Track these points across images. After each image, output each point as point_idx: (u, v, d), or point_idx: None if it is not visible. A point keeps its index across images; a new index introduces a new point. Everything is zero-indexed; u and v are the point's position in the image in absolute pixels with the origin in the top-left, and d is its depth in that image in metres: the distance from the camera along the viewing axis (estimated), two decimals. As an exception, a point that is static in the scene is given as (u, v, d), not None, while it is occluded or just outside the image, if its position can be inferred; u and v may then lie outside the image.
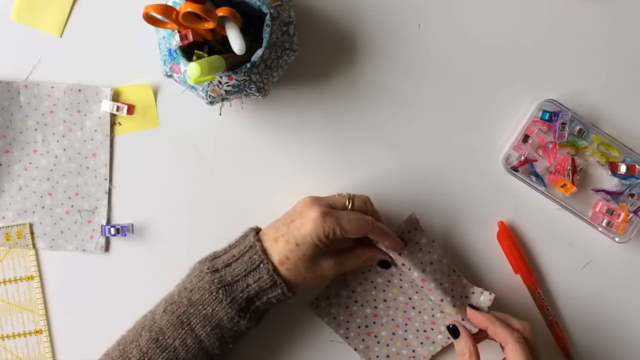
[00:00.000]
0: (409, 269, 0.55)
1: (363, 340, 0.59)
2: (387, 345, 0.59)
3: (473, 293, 0.57)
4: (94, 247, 0.60)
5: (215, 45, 0.54)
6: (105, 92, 0.59)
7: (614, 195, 0.59)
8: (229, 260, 0.52)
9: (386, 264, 0.57)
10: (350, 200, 0.54)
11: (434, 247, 0.57)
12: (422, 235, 0.57)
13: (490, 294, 0.56)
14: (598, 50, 0.60)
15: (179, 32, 0.49)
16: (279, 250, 0.51)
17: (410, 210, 0.59)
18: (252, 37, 0.54)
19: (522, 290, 0.60)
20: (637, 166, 0.58)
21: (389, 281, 0.59)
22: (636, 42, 0.60)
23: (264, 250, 0.52)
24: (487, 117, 0.60)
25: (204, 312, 0.51)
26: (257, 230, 0.55)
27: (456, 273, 0.57)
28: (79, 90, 0.60)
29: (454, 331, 0.56)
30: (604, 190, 0.59)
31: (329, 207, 0.52)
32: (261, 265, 0.51)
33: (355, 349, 0.59)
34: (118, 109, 0.60)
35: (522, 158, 0.59)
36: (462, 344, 0.55)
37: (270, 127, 0.60)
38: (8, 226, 0.60)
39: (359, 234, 0.52)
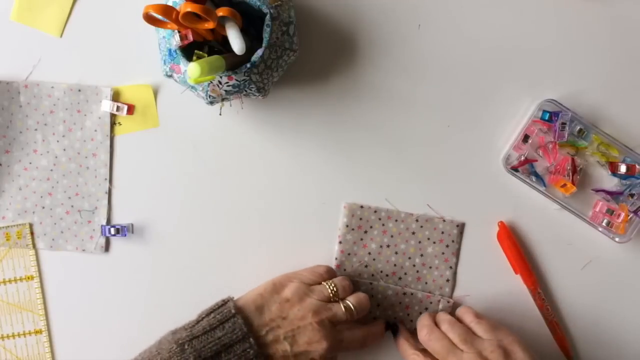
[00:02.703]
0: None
1: None
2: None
3: (431, 303, 0.59)
4: (94, 247, 0.60)
5: (215, 45, 0.54)
6: (105, 92, 0.59)
7: (614, 195, 0.59)
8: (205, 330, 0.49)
9: (395, 327, 0.59)
10: (333, 290, 0.54)
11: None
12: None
13: (448, 301, 0.59)
14: (598, 50, 0.60)
15: (179, 32, 0.49)
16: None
17: (410, 210, 0.59)
18: (252, 37, 0.54)
19: (522, 290, 0.60)
20: (637, 166, 0.58)
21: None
22: (636, 42, 0.60)
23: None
24: (487, 117, 0.60)
25: None
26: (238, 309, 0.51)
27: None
28: (79, 90, 0.60)
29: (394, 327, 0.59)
30: (604, 190, 0.59)
31: (326, 311, 0.52)
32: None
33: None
34: (118, 109, 0.60)
35: (522, 158, 0.59)
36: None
37: (270, 127, 0.60)
38: (8, 226, 0.60)
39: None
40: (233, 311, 0.50)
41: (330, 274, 0.57)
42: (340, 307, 0.53)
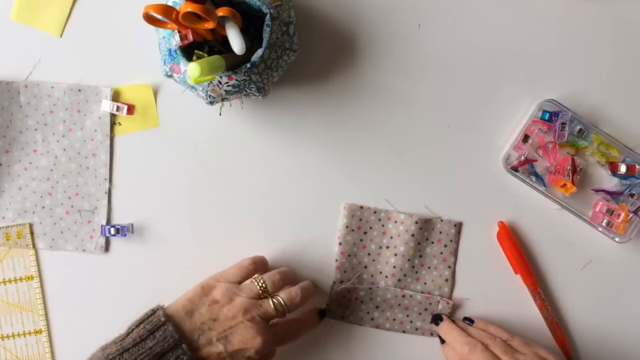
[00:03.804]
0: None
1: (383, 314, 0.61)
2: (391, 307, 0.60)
3: (430, 304, 0.59)
4: (94, 247, 0.60)
5: (215, 45, 0.54)
6: (105, 92, 0.59)
7: (614, 195, 0.59)
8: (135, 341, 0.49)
9: (323, 312, 0.60)
10: (262, 286, 0.54)
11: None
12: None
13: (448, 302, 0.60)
14: (598, 50, 0.60)
15: (179, 32, 0.49)
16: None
17: (410, 210, 0.59)
18: (252, 37, 0.54)
19: (522, 290, 0.60)
20: (637, 166, 0.58)
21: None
22: (636, 42, 0.60)
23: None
24: (487, 117, 0.60)
25: None
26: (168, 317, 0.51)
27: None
28: (79, 90, 0.60)
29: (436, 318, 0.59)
30: (604, 190, 0.59)
31: (257, 308, 0.52)
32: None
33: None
34: (118, 109, 0.60)
35: (522, 158, 0.59)
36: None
37: (270, 127, 0.60)
38: (8, 226, 0.60)
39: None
40: (163, 319, 0.49)
41: (257, 265, 0.56)
42: (271, 303, 0.53)
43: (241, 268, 0.55)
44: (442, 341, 0.59)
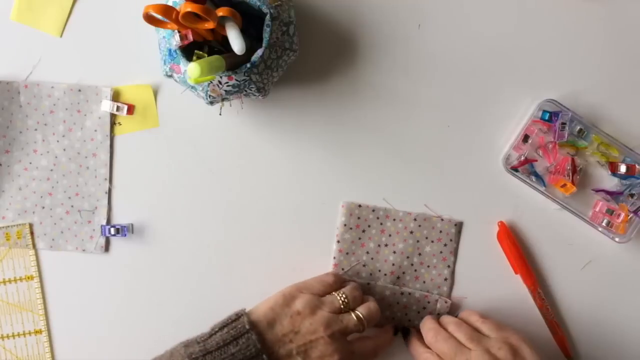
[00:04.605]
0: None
1: None
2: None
3: (429, 302, 0.60)
4: (94, 247, 0.60)
5: (215, 45, 0.54)
6: (105, 92, 0.59)
7: (614, 195, 0.59)
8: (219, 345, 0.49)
9: (405, 330, 0.60)
10: (344, 301, 0.53)
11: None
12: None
13: (446, 301, 0.60)
14: (598, 50, 0.60)
15: (179, 32, 0.49)
16: None
17: (409, 210, 0.59)
18: (252, 37, 0.54)
19: (522, 290, 0.60)
20: (637, 166, 0.58)
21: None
22: (636, 42, 0.60)
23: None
24: (487, 117, 0.60)
25: None
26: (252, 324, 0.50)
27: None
28: (79, 90, 0.60)
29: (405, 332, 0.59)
30: (604, 190, 0.59)
31: (337, 322, 0.51)
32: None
33: None
34: (118, 109, 0.60)
35: (522, 158, 0.59)
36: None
37: (270, 127, 0.60)
38: (8, 226, 0.60)
39: None
40: (247, 327, 0.49)
41: (338, 282, 0.56)
42: (352, 318, 0.52)
43: (323, 283, 0.55)
44: (406, 339, 0.59)
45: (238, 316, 0.50)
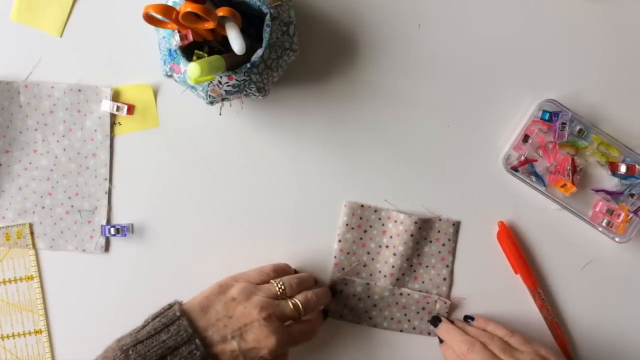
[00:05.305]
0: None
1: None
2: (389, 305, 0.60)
3: (428, 303, 0.60)
4: (94, 247, 0.60)
5: (215, 45, 0.54)
6: (105, 92, 0.59)
7: (614, 195, 0.59)
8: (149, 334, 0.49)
9: (325, 312, 0.60)
10: (281, 288, 0.54)
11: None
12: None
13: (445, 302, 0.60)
14: (598, 50, 0.60)
15: (179, 32, 0.49)
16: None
17: (410, 210, 0.59)
18: (252, 37, 0.54)
19: (522, 290, 0.60)
20: (637, 166, 0.58)
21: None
22: (636, 42, 0.60)
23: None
24: (487, 117, 0.60)
25: None
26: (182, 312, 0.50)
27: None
28: (79, 90, 0.60)
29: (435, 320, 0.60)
30: (604, 190, 0.59)
31: (272, 307, 0.51)
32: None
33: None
34: (118, 109, 0.60)
35: (522, 158, 0.59)
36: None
37: (270, 127, 0.60)
38: (8, 226, 0.60)
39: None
40: (178, 314, 0.49)
41: (278, 272, 0.57)
42: (288, 304, 0.53)
43: (262, 272, 0.55)
44: (441, 341, 0.59)
45: (170, 305, 0.51)
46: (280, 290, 0.53)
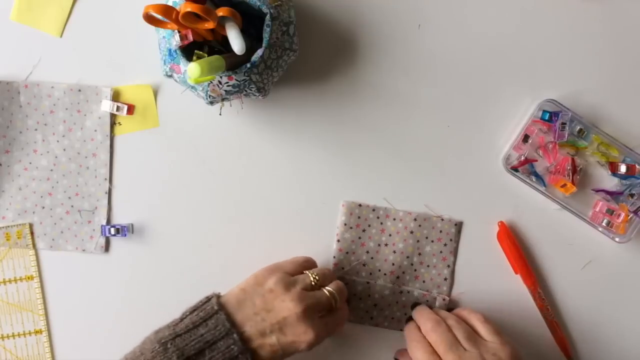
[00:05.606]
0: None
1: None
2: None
3: (427, 301, 0.60)
4: (94, 247, 0.60)
5: (215, 45, 0.54)
6: (105, 92, 0.59)
7: (614, 195, 0.59)
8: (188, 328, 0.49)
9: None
10: (315, 278, 0.54)
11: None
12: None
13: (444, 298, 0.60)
14: (598, 50, 0.60)
15: (179, 32, 0.49)
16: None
17: (410, 209, 0.59)
18: (252, 37, 0.54)
19: (522, 290, 0.60)
20: (637, 166, 0.58)
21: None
22: (636, 42, 0.60)
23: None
24: (487, 117, 0.60)
25: None
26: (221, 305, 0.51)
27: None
28: (79, 90, 0.60)
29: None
30: (604, 190, 0.59)
31: (309, 299, 0.51)
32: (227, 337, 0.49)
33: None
34: (118, 109, 0.60)
35: (522, 158, 0.59)
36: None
37: (270, 127, 0.60)
38: (8, 226, 0.60)
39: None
40: (216, 307, 0.49)
41: (309, 263, 0.57)
42: (324, 293, 0.53)
43: (295, 263, 0.55)
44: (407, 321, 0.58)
45: (208, 299, 0.51)
46: (315, 280, 0.53)
